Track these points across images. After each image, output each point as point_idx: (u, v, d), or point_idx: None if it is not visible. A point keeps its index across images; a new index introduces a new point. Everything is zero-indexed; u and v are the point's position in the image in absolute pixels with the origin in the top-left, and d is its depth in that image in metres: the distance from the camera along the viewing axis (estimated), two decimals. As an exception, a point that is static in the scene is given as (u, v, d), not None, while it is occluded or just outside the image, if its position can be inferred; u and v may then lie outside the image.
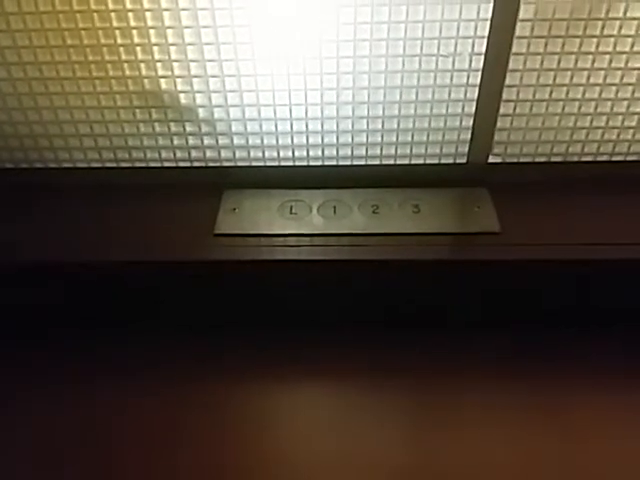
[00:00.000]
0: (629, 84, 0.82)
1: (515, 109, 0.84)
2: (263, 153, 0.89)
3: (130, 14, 0.77)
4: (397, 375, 0.80)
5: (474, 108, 0.83)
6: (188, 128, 0.86)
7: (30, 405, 0.78)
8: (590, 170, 0.88)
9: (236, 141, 0.87)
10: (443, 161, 0.89)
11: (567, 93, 0.83)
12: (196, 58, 0.80)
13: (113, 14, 0.77)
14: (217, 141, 0.87)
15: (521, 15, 0.76)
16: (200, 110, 0.85)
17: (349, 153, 0.88)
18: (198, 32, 0.78)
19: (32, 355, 0.83)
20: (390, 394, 0.78)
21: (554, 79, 0.81)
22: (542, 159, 0.89)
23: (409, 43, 0.78)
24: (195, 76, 0.82)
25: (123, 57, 0.80)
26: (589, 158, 0.88)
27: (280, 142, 0.88)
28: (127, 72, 0.81)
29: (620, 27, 0.78)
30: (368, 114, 0.84)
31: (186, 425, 0.75)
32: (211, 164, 0.90)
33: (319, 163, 0.90)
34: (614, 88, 0.82)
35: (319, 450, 0.73)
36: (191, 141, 0.88)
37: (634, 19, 0.77)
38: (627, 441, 0.73)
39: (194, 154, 0.89)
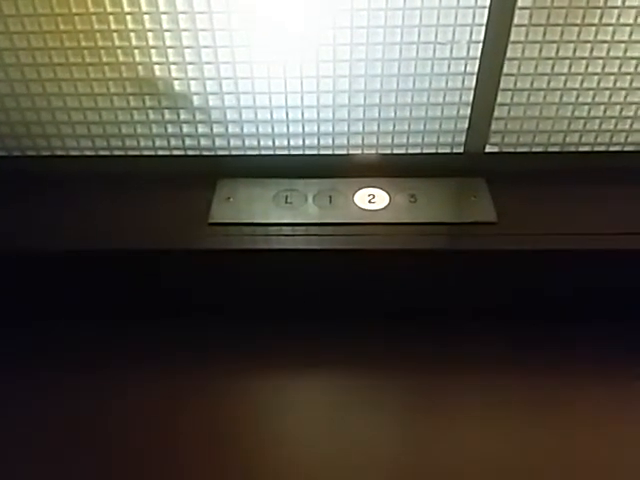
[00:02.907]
0: (627, 73, 0.81)
1: (513, 98, 0.83)
2: (258, 142, 0.88)
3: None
4: (394, 367, 0.79)
5: (471, 97, 0.83)
6: (182, 116, 0.85)
7: (28, 398, 0.77)
8: (587, 160, 0.88)
9: (231, 129, 0.87)
10: (440, 150, 0.88)
11: (565, 82, 0.82)
12: (191, 44, 0.79)
13: (107, -1, 0.76)
14: (212, 129, 0.87)
15: (519, 3, 0.75)
16: (194, 97, 0.84)
17: (345, 142, 0.88)
18: (193, 18, 0.77)
19: (28, 346, 0.83)
20: (387, 386, 0.78)
21: (552, 68, 0.81)
22: (539, 149, 0.88)
23: (406, 30, 0.78)
24: (190, 63, 0.81)
25: (117, 43, 0.79)
26: (587, 148, 0.88)
27: (275, 131, 0.87)
28: (121, 58, 0.80)
29: (619, 15, 0.77)
30: (365, 102, 0.84)
31: (183, 417, 0.75)
32: (205, 153, 0.89)
33: (315, 152, 0.89)
34: (612, 77, 0.82)
35: (317, 444, 0.72)
36: (185, 129, 0.87)
37: (633, 7, 0.76)
38: (628, 435, 0.72)
39: (188, 142, 0.88)
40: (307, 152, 0.89)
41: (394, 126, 0.86)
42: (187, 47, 0.79)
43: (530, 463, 0.70)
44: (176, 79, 0.82)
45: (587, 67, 0.81)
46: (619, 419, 0.74)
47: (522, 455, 0.70)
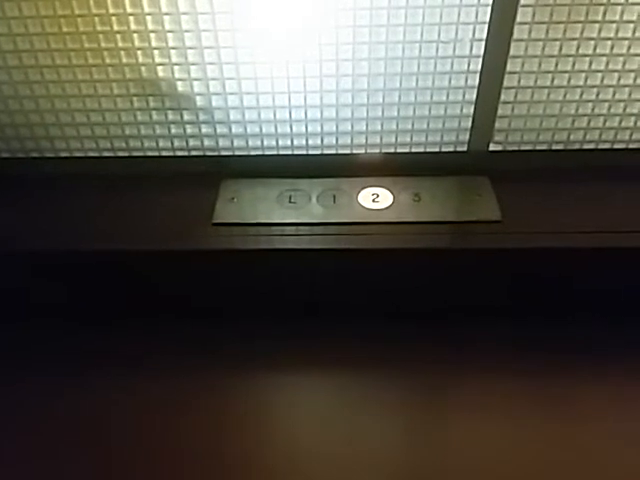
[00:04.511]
0: (631, 70, 0.81)
1: (516, 96, 0.83)
2: (262, 142, 0.88)
3: (127, 0, 0.76)
4: (397, 366, 0.79)
5: (475, 95, 0.83)
6: (186, 116, 0.85)
7: (28, 397, 0.77)
8: (592, 158, 0.88)
9: (234, 130, 0.87)
10: (444, 149, 0.88)
11: (569, 80, 0.82)
12: (194, 45, 0.79)
13: (109, 0, 0.76)
14: (215, 130, 0.87)
15: (522, 1, 0.75)
16: (197, 98, 0.84)
17: (348, 141, 0.88)
18: (196, 19, 0.77)
19: (30, 347, 0.83)
20: (390, 385, 0.78)
21: (556, 65, 0.80)
22: (543, 147, 0.88)
23: (409, 29, 0.77)
24: (193, 64, 0.81)
25: (120, 44, 0.79)
26: (591, 146, 0.88)
27: (279, 130, 0.87)
28: (124, 60, 0.80)
29: (622, 13, 0.77)
30: (368, 102, 0.84)
31: (184, 415, 0.75)
32: (209, 153, 0.89)
33: (318, 152, 0.89)
34: (616, 75, 0.81)
35: (317, 443, 0.72)
36: (189, 130, 0.87)
37: (636, 4, 0.76)
38: (628, 435, 0.72)
39: (192, 143, 0.88)
40: (311, 152, 0.89)
41: (397, 125, 0.86)
42: (190, 48, 0.79)
43: (530, 462, 0.70)
44: (179, 80, 0.82)
45: (590, 64, 0.80)
46: (619, 419, 0.74)
47: (522, 454, 0.70)
